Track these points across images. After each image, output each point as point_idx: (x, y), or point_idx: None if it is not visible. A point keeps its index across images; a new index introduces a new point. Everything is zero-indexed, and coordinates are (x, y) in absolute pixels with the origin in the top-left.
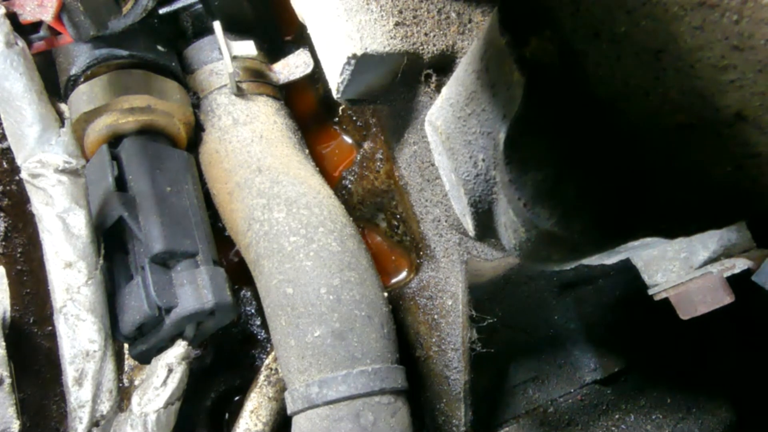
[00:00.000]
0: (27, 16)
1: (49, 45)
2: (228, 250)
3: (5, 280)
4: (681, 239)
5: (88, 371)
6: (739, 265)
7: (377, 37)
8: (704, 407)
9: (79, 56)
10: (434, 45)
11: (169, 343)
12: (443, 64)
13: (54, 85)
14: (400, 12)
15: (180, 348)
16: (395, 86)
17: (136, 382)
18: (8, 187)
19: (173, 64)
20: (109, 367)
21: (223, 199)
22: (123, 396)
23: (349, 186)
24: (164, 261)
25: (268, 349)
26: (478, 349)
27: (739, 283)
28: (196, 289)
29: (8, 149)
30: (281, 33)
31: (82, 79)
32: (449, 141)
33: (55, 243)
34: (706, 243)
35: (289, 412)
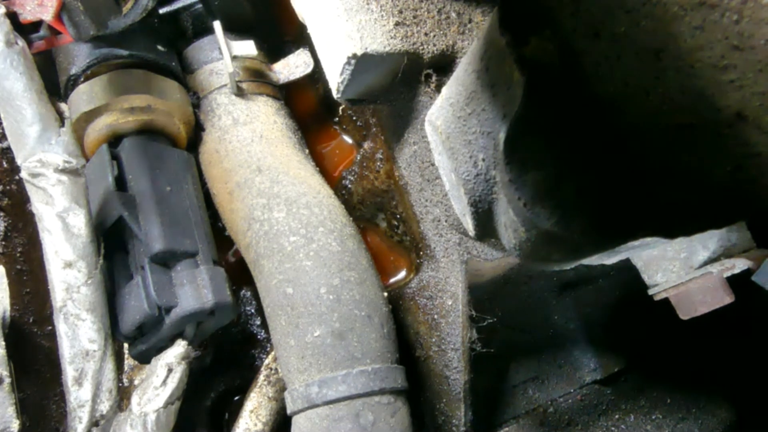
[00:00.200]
0: (27, 15)
1: (49, 44)
2: (228, 250)
3: (5, 280)
4: (681, 239)
5: (88, 371)
6: (739, 265)
7: (377, 37)
8: (704, 407)
9: (79, 56)
10: (434, 45)
11: (169, 342)
12: (443, 64)
13: (54, 84)
14: (400, 12)
15: (180, 348)
16: (395, 86)
17: (136, 382)
18: (8, 187)
19: (173, 63)
20: (109, 366)
21: (223, 198)
22: (123, 396)
23: (349, 186)
24: (164, 261)
25: (268, 349)
26: (478, 349)
27: (739, 283)
28: (196, 289)
29: (8, 149)
30: (281, 33)
31: (82, 79)
32: (449, 141)
33: (55, 242)
34: (706, 243)
35: (288, 411)
